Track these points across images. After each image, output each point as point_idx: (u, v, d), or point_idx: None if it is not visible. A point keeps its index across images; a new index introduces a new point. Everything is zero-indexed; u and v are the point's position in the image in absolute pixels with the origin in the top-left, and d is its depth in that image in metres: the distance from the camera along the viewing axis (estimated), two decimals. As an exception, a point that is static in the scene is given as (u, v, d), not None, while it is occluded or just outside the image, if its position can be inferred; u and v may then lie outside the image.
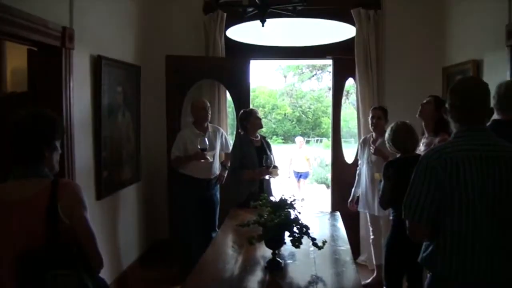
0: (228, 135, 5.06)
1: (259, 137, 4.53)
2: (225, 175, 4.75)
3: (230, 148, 4.81)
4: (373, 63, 5.06)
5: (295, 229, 2.54)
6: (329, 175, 8.03)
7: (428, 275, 2.06)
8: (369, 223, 4.63)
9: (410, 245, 2.55)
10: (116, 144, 4.33)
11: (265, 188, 4.41)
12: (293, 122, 26.31)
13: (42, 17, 2.92)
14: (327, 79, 17.71)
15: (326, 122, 21.89)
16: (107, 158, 4.08)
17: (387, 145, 3.43)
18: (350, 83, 5.68)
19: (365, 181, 4.46)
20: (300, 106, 25.06)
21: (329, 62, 5.56)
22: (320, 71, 18.45)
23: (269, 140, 4.70)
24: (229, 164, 4.71)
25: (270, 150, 4.59)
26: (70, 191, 1.89)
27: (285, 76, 25.79)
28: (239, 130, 4.53)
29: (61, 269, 1.77)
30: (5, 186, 1.88)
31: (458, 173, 1.88)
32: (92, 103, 3.86)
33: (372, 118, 4.35)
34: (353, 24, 5.04)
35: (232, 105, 5.30)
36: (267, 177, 4.32)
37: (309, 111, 23.84)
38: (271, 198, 4.48)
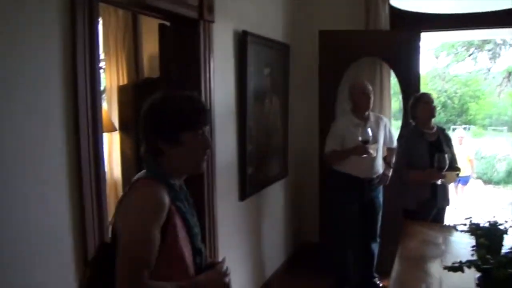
0: (391, 126, 4.18)
1: (435, 128, 3.59)
2: (390, 174, 3.90)
3: (395, 141, 3.94)
4: None
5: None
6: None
7: None
8: None
9: None
10: (263, 135, 3.78)
11: (438, 196, 3.52)
12: (438, 109, 23.57)
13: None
14: (484, 59, 15.25)
15: (473, 108, 19.23)
16: (252, 152, 3.53)
17: None
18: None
19: None
20: (446, 91, 22.47)
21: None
22: (478, 50, 15.97)
23: (449, 133, 3.69)
24: (393, 162, 3.87)
25: (450, 146, 3.65)
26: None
27: (437, 57, 23.11)
28: (410, 121, 3.69)
29: None
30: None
31: None
32: (237, 87, 3.33)
33: None
34: None
35: (398, 89, 4.37)
36: (439, 181, 3.38)
37: (455, 96, 21.41)
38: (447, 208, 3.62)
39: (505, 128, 16.95)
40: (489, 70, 14.99)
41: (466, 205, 8.37)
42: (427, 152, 3.46)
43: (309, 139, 4.46)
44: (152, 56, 3.97)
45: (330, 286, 3.96)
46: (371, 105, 3.78)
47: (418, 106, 3.54)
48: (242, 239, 3.55)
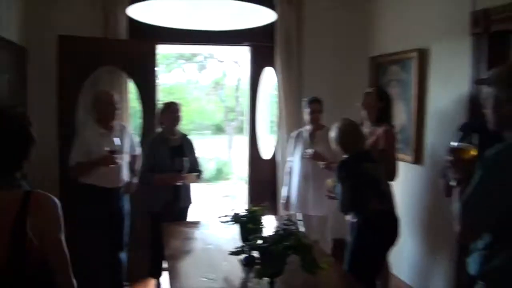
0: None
1: (178, 135, 3.86)
2: (135, 182, 3.97)
3: (138, 149, 4.03)
4: (294, 51, 4.67)
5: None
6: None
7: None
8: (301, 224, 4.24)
9: (379, 246, 2.96)
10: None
11: (182, 197, 3.84)
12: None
13: None
14: (193, 70, 16.87)
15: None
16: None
17: (334, 146, 3.09)
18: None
19: (298, 179, 4.05)
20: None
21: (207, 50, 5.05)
22: (187, 61, 17.48)
23: (191, 139, 4.01)
24: (137, 169, 3.97)
25: (192, 151, 3.95)
26: (44, 205, 1.64)
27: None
28: (159, 126, 3.89)
29: None
30: None
31: None
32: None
33: (312, 113, 3.95)
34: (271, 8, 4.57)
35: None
36: (179, 183, 3.68)
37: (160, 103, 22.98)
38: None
39: (209, 131, 19.17)
40: (198, 80, 16.61)
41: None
42: (169, 157, 3.70)
43: (45, 151, 4.07)
44: None
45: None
46: (117, 115, 3.77)
47: (165, 114, 3.73)
48: None
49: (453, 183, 1.89)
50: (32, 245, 1.56)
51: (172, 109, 3.76)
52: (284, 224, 2.13)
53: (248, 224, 2.36)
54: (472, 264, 1.75)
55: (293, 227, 2.09)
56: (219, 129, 20.93)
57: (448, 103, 3.41)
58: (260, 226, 2.39)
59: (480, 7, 2.99)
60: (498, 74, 1.77)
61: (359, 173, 2.89)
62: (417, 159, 3.77)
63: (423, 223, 3.74)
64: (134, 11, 4.16)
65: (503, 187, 1.58)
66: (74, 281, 1.69)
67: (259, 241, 2.07)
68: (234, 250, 2.17)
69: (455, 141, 1.95)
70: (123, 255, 3.89)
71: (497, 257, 1.66)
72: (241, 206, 2.89)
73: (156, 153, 3.73)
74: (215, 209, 9.72)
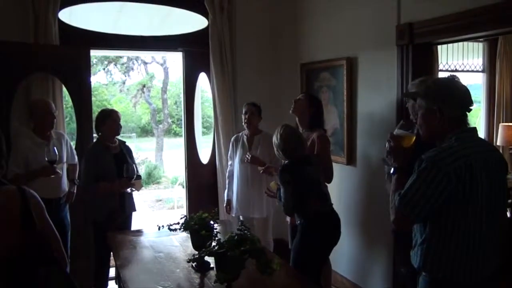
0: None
1: (117, 142, 3.82)
2: (75, 191, 3.88)
3: (76, 157, 3.95)
4: (228, 56, 4.78)
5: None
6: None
7: (422, 277, 1.95)
8: (243, 227, 4.35)
9: (323, 245, 3.13)
10: None
11: (126, 204, 3.82)
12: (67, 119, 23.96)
13: None
14: (118, 72, 16.46)
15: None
16: None
17: (276, 152, 3.23)
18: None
19: (238, 183, 4.16)
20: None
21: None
22: (112, 63, 16.98)
23: (134, 146, 3.98)
24: (77, 177, 3.89)
25: (132, 157, 3.93)
26: (35, 197, 1.99)
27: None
28: (96, 133, 3.81)
29: (49, 266, 1.87)
30: None
31: (472, 180, 1.78)
32: None
33: (245, 114, 4.06)
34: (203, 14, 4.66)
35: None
36: (128, 190, 3.67)
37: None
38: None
39: (134, 134, 18.79)
40: (124, 82, 16.20)
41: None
42: (113, 164, 3.66)
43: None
44: None
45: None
46: (54, 124, 3.67)
47: (106, 122, 3.67)
48: None
49: (391, 170, 2.06)
50: (37, 230, 1.89)
51: (113, 117, 3.71)
52: (238, 229, 2.23)
53: (201, 231, 2.42)
54: (415, 257, 1.95)
55: (247, 232, 2.19)
56: (145, 132, 20.57)
57: (377, 107, 3.67)
58: (214, 232, 2.47)
59: (404, 21, 3.27)
60: (427, 88, 1.96)
61: (301, 177, 3.04)
62: (350, 161, 4.01)
63: (359, 220, 3.99)
64: (65, 15, 4.08)
65: (436, 185, 1.77)
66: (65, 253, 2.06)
67: (216, 247, 2.14)
68: (192, 257, 2.22)
69: (397, 129, 2.09)
70: (67, 268, 3.77)
71: (434, 248, 1.86)
72: (182, 212, 2.92)
73: (100, 162, 3.66)
74: (151, 214, 9.63)
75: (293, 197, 3.02)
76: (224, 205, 4.32)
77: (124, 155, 3.81)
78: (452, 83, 1.95)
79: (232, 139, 4.30)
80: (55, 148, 3.43)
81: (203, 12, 4.59)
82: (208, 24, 4.69)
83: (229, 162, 4.33)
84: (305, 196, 3.04)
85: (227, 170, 4.36)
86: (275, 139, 3.19)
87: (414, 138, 2.03)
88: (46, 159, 3.35)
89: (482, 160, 1.82)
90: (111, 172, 3.64)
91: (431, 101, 1.90)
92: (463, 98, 1.89)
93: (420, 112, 1.96)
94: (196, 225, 2.45)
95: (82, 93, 4.25)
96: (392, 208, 1.92)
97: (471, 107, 1.91)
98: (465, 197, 1.79)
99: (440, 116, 1.87)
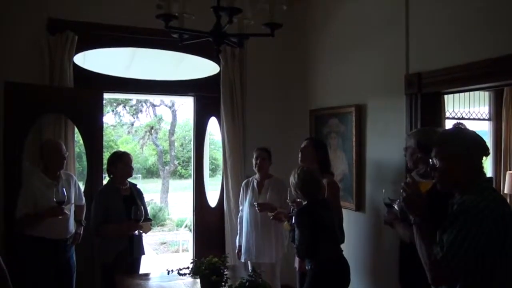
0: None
1: (128, 184, 3.84)
2: (81, 232, 3.88)
3: (83, 198, 3.97)
4: (238, 101, 4.87)
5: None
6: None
7: None
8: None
9: None
10: None
11: (135, 246, 3.79)
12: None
13: None
14: (127, 114, 16.65)
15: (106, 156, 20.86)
16: None
17: (293, 192, 3.23)
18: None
19: (247, 227, 4.13)
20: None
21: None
22: (121, 105, 17.15)
23: (140, 188, 4.01)
24: (84, 219, 3.90)
25: (142, 199, 3.94)
26: None
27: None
28: (107, 175, 3.83)
29: None
30: None
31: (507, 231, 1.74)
32: None
33: (256, 159, 4.10)
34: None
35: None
36: (136, 232, 3.66)
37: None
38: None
39: (140, 175, 18.81)
40: (132, 124, 16.39)
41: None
42: (123, 206, 3.66)
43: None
44: None
45: None
46: (65, 165, 3.71)
47: (118, 164, 3.71)
48: None
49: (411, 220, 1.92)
50: None
51: (125, 160, 3.75)
52: (249, 275, 2.21)
53: (211, 277, 2.40)
54: None
55: (259, 279, 2.17)
56: (150, 173, 20.60)
57: (386, 154, 3.71)
58: (224, 278, 2.45)
59: (413, 71, 3.35)
60: (453, 135, 1.91)
61: (319, 221, 3.04)
62: (359, 207, 4.01)
63: (367, 268, 3.94)
64: (79, 59, 4.21)
65: (487, 235, 1.70)
66: None
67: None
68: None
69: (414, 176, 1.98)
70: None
71: None
72: (186, 255, 2.90)
73: (110, 204, 3.66)
74: (155, 257, 9.50)
75: (308, 240, 3.00)
76: (236, 251, 4.28)
77: (134, 197, 3.82)
78: (471, 130, 1.92)
79: (243, 183, 4.31)
80: (64, 189, 3.46)
81: (215, 58, 4.73)
82: (220, 70, 4.82)
83: (240, 207, 4.32)
84: (321, 240, 3.03)
85: (238, 216, 4.35)
86: (292, 179, 3.19)
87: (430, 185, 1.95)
88: (55, 199, 3.38)
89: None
90: (120, 214, 3.64)
91: (459, 148, 1.85)
92: (484, 145, 1.89)
93: (443, 161, 1.87)
94: (207, 270, 2.43)
95: (94, 135, 4.32)
96: (428, 263, 1.79)
97: (488, 154, 1.90)
98: (504, 248, 1.74)
99: (466, 164, 1.84)
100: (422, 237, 1.85)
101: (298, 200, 3.26)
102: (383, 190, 2.75)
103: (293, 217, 3.17)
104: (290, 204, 3.43)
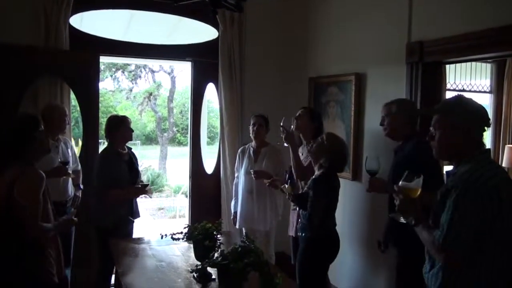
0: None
1: (126, 149, 3.82)
2: (80, 195, 3.89)
3: (79, 163, 3.96)
4: (237, 67, 4.79)
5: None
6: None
7: None
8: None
9: (325, 260, 3.13)
10: None
11: (134, 210, 3.80)
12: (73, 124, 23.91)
13: None
14: (126, 79, 16.51)
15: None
16: None
17: (312, 151, 3.18)
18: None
19: (242, 194, 4.14)
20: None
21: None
22: (120, 70, 16.99)
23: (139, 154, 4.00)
24: (81, 183, 3.90)
25: (137, 164, 3.93)
26: None
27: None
28: (106, 140, 3.79)
29: None
30: None
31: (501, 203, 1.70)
32: None
33: (253, 125, 4.07)
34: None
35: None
36: (141, 197, 3.66)
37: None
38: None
39: (139, 142, 18.83)
40: (131, 90, 16.27)
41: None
42: (127, 171, 3.66)
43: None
44: None
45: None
46: (65, 127, 3.72)
47: (119, 129, 3.67)
48: None
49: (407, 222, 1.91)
50: None
51: (126, 124, 3.71)
52: (242, 241, 2.21)
53: (204, 242, 2.40)
54: (433, 279, 1.84)
55: (251, 244, 2.17)
56: (149, 139, 20.60)
57: (384, 124, 3.67)
58: (217, 243, 2.45)
59: (415, 39, 3.28)
60: (455, 105, 1.86)
61: (335, 190, 3.10)
62: (355, 176, 4.00)
63: (363, 236, 3.96)
64: (76, 21, 4.10)
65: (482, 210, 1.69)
66: None
67: (219, 258, 2.13)
68: (195, 268, 2.21)
69: (401, 181, 1.93)
70: (67, 272, 3.76)
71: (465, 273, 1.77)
72: (183, 221, 2.92)
73: (114, 168, 3.62)
74: (152, 222, 9.59)
75: (324, 211, 3.02)
76: (232, 217, 4.31)
77: (133, 162, 3.81)
78: (474, 101, 1.87)
79: (239, 151, 4.30)
80: (69, 149, 3.49)
81: (213, 22, 4.62)
82: (218, 35, 4.72)
83: (236, 174, 4.32)
84: (331, 210, 3.06)
85: (234, 183, 4.35)
86: (322, 141, 3.14)
87: (420, 189, 1.87)
88: (60, 160, 3.41)
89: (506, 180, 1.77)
90: (125, 179, 3.64)
91: (461, 118, 1.81)
92: (486, 117, 1.84)
93: (440, 131, 1.84)
94: (200, 235, 2.43)
95: (90, 99, 4.26)
96: (433, 249, 1.78)
97: (489, 126, 1.87)
98: (494, 222, 1.71)
99: (466, 135, 1.80)
100: (424, 236, 1.83)
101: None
102: (365, 157, 2.82)
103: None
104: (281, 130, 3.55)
